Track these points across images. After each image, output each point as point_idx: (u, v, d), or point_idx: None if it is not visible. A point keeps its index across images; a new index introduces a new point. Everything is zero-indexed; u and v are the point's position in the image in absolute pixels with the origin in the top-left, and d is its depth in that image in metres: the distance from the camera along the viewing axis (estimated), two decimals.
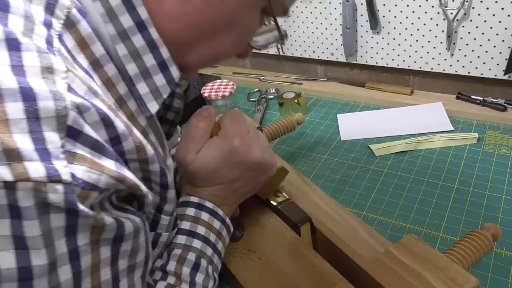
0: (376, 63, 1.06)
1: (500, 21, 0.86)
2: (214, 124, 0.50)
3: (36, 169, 0.26)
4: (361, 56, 1.07)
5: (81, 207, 0.28)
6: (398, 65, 1.03)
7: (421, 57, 0.99)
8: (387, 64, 1.05)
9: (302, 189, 0.63)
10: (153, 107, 0.40)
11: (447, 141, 0.86)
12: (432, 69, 0.99)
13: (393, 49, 1.02)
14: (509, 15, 0.84)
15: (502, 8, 0.84)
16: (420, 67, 1.01)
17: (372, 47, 1.04)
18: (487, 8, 0.86)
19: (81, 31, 0.33)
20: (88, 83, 0.32)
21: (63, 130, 0.27)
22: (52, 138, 0.27)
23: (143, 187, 0.35)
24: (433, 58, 0.98)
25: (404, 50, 1.00)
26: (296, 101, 1.01)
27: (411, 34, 0.97)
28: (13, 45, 0.28)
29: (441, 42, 0.95)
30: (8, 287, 0.26)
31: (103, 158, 0.30)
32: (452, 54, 0.95)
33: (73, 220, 0.28)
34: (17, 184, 0.25)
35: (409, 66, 1.02)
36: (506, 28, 0.86)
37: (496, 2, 0.84)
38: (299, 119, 0.89)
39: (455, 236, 0.66)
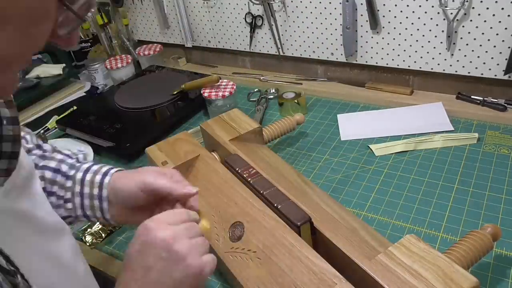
0: (376, 63, 1.06)
1: (500, 21, 0.86)
2: None
3: None
4: (361, 56, 1.07)
5: None
6: (398, 65, 1.03)
7: (421, 57, 0.99)
8: (387, 64, 1.05)
9: (302, 189, 0.63)
10: None
11: (447, 141, 0.86)
12: (432, 69, 0.99)
13: (393, 49, 1.02)
14: (509, 15, 0.84)
15: (502, 8, 0.84)
16: (420, 67, 1.01)
17: (372, 47, 1.04)
18: (487, 8, 0.86)
19: None
20: None
21: None
22: None
23: None
24: (433, 58, 0.98)
25: (404, 50, 1.00)
26: (296, 101, 1.01)
27: (411, 34, 0.97)
28: None
29: (441, 42, 0.95)
30: None
31: None
32: (452, 54, 0.95)
33: None
34: None
35: (409, 66, 1.02)
36: (506, 28, 0.86)
37: (496, 2, 0.84)
38: (299, 119, 0.90)
39: (455, 236, 0.66)
